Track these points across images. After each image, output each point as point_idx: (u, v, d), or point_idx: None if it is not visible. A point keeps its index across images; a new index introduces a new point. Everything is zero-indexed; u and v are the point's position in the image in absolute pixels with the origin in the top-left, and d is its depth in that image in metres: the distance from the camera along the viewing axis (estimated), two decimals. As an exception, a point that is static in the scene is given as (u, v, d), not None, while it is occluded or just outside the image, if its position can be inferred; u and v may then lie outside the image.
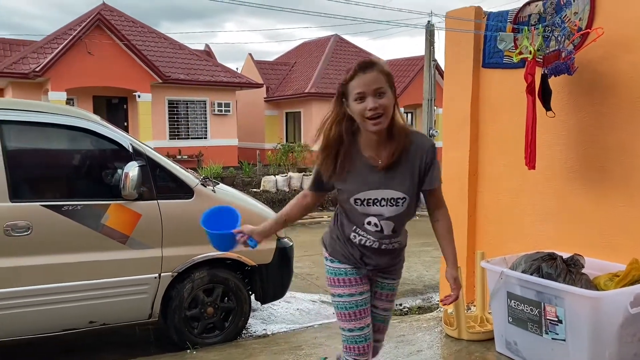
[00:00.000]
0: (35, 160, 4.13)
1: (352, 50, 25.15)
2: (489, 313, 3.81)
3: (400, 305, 5.77)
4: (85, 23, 16.03)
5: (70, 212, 3.80)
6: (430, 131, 13.79)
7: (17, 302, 3.66)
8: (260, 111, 23.94)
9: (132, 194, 3.92)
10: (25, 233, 3.66)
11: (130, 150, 4.09)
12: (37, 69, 15.20)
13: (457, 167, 4.32)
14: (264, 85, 22.58)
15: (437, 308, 4.99)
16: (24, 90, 16.03)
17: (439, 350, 3.66)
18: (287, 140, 22.66)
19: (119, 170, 3.98)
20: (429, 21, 13.82)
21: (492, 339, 3.58)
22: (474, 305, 4.25)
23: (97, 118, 4.23)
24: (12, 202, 3.65)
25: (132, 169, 3.86)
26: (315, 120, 21.85)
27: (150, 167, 4.12)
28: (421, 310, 5.34)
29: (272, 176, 14.01)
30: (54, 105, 4.25)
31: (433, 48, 13.84)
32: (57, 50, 15.64)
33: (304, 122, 22.55)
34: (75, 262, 3.84)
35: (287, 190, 13.37)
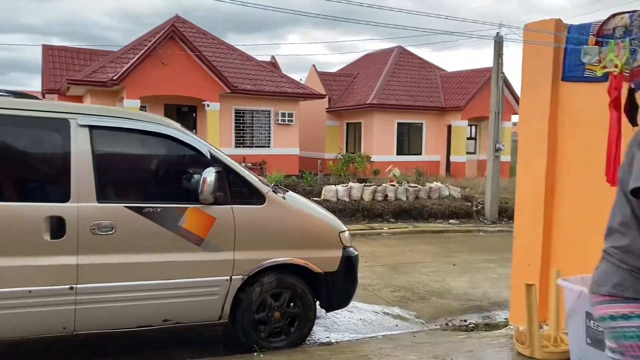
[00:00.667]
0: (119, 163, 4.38)
1: (415, 62, 24.99)
2: (564, 333, 3.68)
3: (465, 321, 5.66)
4: (160, 34, 16.79)
5: (150, 213, 3.99)
6: (497, 145, 13.45)
7: (99, 297, 3.88)
8: (322, 121, 24.18)
9: (208, 199, 4.08)
10: (110, 232, 3.88)
11: (208, 156, 4.26)
12: (115, 78, 16.05)
13: (532, 182, 4.22)
14: (327, 96, 22.81)
15: (506, 325, 4.86)
16: (101, 98, 16.96)
17: (511, 368, 3.57)
18: (347, 151, 22.75)
19: (196, 175, 4.15)
20: (497, 33, 13.54)
21: (567, 360, 3.46)
22: (547, 324, 4.11)
23: (177, 125, 4.43)
24: (99, 202, 3.89)
25: (209, 175, 4.02)
26: (375, 131, 21.84)
27: (225, 173, 4.28)
28: (488, 327, 5.22)
29: (333, 186, 14.07)
30: (138, 112, 4.50)
31: (501, 60, 13.53)
32: (132, 60, 16.46)
33: (364, 132, 22.57)
34: (153, 262, 4.02)
35: (347, 200, 13.40)
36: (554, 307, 3.77)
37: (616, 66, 3.25)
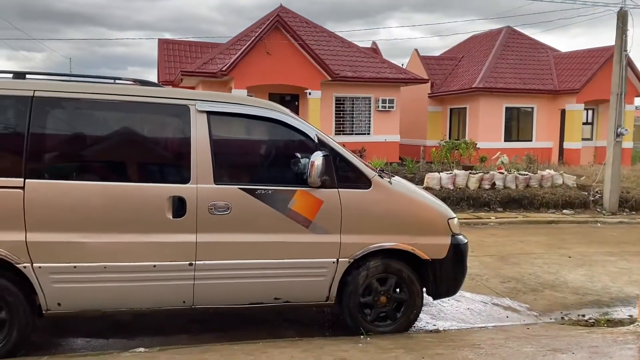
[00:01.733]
0: (234, 147, 4.58)
1: (525, 42, 23.56)
2: None
3: (584, 316, 5.28)
4: (265, 25, 17.27)
5: (262, 195, 4.14)
6: (619, 129, 12.33)
7: (216, 273, 4.10)
8: (423, 107, 23.63)
9: (316, 182, 4.15)
10: (225, 212, 4.07)
11: (316, 140, 4.33)
12: (224, 69, 16.79)
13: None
14: (429, 81, 22.23)
15: (633, 322, 4.47)
16: (211, 88, 17.79)
17: (641, 368, 3.28)
18: (450, 137, 22.06)
19: (305, 159, 4.23)
20: (621, 7, 12.38)
21: None
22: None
23: (288, 110, 4.53)
24: (216, 184, 4.09)
25: (317, 158, 4.08)
26: (481, 116, 20.95)
27: (333, 158, 4.32)
28: (610, 323, 4.83)
29: (436, 173, 13.72)
30: (251, 98, 4.65)
31: (625, 36, 12.35)
32: (240, 52, 17.11)
33: (469, 118, 21.72)
34: (264, 242, 4.18)
35: (452, 188, 12.99)
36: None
37: None
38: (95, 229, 3.87)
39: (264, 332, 4.68)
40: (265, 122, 4.39)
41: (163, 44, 21.97)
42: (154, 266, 3.97)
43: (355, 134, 20.13)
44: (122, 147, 4.17)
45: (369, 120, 20.31)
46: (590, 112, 22.13)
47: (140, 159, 4.19)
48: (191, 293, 4.09)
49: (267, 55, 17.11)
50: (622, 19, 12.27)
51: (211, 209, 4.04)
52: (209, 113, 4.16)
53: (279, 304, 4.31)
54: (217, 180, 4.11)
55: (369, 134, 20.28)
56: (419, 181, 13.87)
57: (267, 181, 4.29)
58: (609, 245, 9.04)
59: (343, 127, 20.03)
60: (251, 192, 4.13)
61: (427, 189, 12.94)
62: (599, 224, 11.47)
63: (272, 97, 18.84)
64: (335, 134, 19.61)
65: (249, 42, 17.09)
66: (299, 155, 4.38)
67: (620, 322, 4.81)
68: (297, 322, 5.01)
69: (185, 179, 4.03)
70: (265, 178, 4.38)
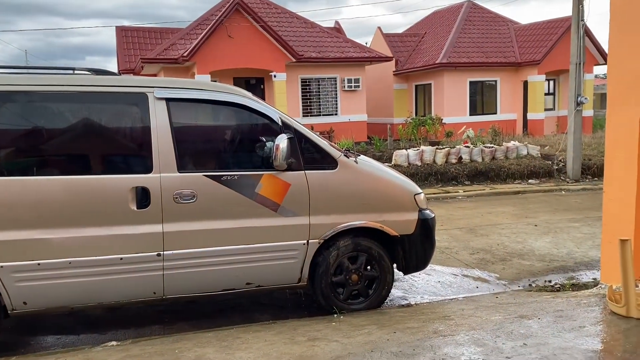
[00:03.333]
0: (197, 134, 4.50)
1: (486, 16, 23.78)
2: (663, 292, 3.44)
3: (550, 282, 5.44)
4: (225, 8, 16.97)
5: (229, 181, 4.10)
6: (579, 98, 12.61)
7: (185, 262, 4.05)
8: (389, 85, 23.70)
9: (282, 165, 4.12)
10: (191, 200, 4.02)
11: (280, 123, 4.29)
12: (185, 54, 16.46)
13: (624, 132, 3.91)
14: (393, 59, 22.26)
15: (597, 285, 4.62)
16: (174, 74, 17.46)
17: (606, 327, 3.39)
18: (416, 114, 22.21)
19: (270, 143, 4.20)
20: (577, -23, 12.55)
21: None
22: (642, 283, 3.86)
23: (249, 94, 4.48)
24: (180, 172, 4.02)
25: (282, 141, 4.05)
26: (446, 91, 21.14)
27: (297, 140, 4.30)
28: (575, 287, 4.99)
29: (404, 150, 13.82)
30: (211, 83, 4.57)
31: (582, 7, 12.56)
32: (201, 36, 16.79)
33: (435, 94, 21.90)
34: (233, 228, 4.15)
35: (420, 164, 13.13)
36: (651, 264, 3.53)
37: None
38: (58, 224, 3.78)
39: (238, 317, 4.67)
40: (227, 106, 4.33)
41: (121, 31, 21.37)
42: (121, 259, 3.90)
43: (323, 115, 20.09)
44: (80, 139, 4.05)
45: (336, 101, 20.29)
46: (552, 82, 22.57)
47: (100, 150, 4.09)
48: (161, 284, 4.05)
49: (229, 39, 16.86)
50: (578, -11, 12.45)
51: (176, 197, 3.98)
52: (168, 100, 4.08)
53: (252, 288, 4.31)
54: (181, 168, 4.04)
55: (336, 114, 20.27)
56: (387, 159, 13.97)
57: (232, 167, 4.25)
58: (573, 212, 9.30)
59: (310, 109, 19.96)
60: (217, 178, 4.09)
61: (396, 166, 13.05)
62: (563, 192, 11.78)
63: (237, 81, 18.60)
64: (303, 116, 19.54)
65: (210, 26, 16.80)
66: (263, 139, 4.34)
67: (584, 286, 4.96)
68: (271, 306, 5.03)
69: (147, 169, 3.96)
70: (230, 164, 4.33)
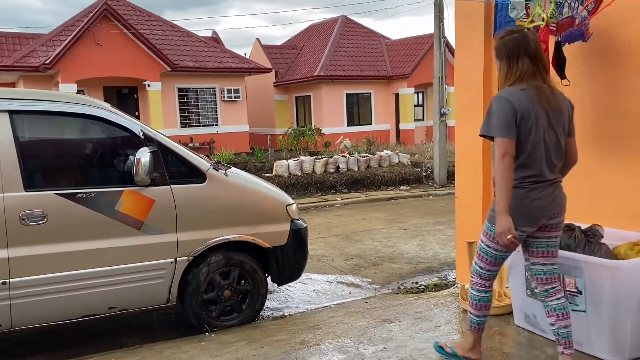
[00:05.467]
0: (47, 149, 4.15)
1: (360, 31, 24.88)
2: (507, 287, 3.78)
3: (417, 283, 5.76)
4: (92, 14, 16.01)
5: (84, 199, 3.82)
6: (442, 110, 13.62)
7: (35, 290, 3.70)
8: (270, 96, 23.86)
9: (144, 180, 3.93)
10: (41, 222, 3.69)
11: (141, 136, 4.09)
12: (47, 62, 15.25)
13: (469, 141, 4.26)
14: (273, 70, 22.46)
15: (454, 284, 4.97)
16: (35, 84, 16.12)
17: (457, 325, 3.64)
18: (297, 125, 22.58)
19: (131, 157, 3.99)
20: (437, -3, 13.57)
21: (510, 313, 3.56)
22: (491, 280, 4.20)
23: (107, 105, 4.23)
24: (27, 191, 3.68)
25: (143, 155, 3.86)
26: (325, 103, 21.74)
27: (161, 153, 4.12)
28: (437, 287, 5.32)
29: (284, 160, 13.96)
30: (64, 94, 4.26)
31: (442, 25, 13.61)
32: (65, 43, 15.66)
33: (314, 105, 22.44)
34: (91, 250, 3.86)
35: (300, 174, 13.34)
36: (497, 262, 3.84)
37: (543, 20, 3.27)
38: None
39: (104, 343, 4.35)
40: (82, 119, 4.05)
41: (-29, 35, 19.29)
42: (-43, 290, 3.47)
43: (203, 125, 19.66)
44: None
45: (216, 111, 19.97)
46: (420, 94, 24.15)
47: None
48: (8, 314, 3.65)
49: (98, 47, 15.92)
50: (438, 7, 13.48)
51: (23, 219, 3.63)
52: (11, 112, 3.72)
53: (115, 313, 4.05)
54: (29, 187, 3.70)
55: (217, 124, 19.95)
56: (268, 169, 14.01)
57: (89, 183, 3.98)
58: (439, 215, 9.97)
59: (189, 119, 19.44)
60: (70, 196, 3.79)
61: (277, 176, 13.13)
62: (431, 197, 12.60)
63: (108, 90, 17.62)
64: (181, 127, 18.98)
65: (76, 32, 15.75)
66: (124, 153, 4.11)
67: (445, 285, 5.31)
68: (141, 329, 4.76)
69: (-13, 189, 3.56)
70: (87, 180, 4.06)
